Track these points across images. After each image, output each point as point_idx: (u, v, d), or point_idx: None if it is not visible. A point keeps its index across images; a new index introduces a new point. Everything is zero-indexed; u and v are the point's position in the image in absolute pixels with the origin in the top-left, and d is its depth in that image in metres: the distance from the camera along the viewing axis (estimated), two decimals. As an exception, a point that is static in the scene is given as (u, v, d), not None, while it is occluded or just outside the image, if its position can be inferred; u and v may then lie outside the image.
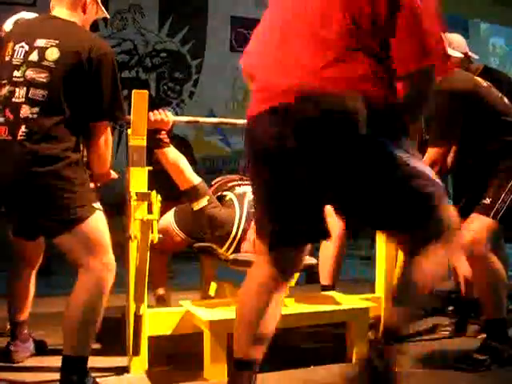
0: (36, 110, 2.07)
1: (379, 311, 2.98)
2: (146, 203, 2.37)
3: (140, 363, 2.50)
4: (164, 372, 2.54)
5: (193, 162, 5.34)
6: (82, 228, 2.10)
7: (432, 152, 2.83)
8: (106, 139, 2.23)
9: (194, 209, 2.66)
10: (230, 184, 2.98)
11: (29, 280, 2.65)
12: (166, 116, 2.61)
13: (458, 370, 2.57)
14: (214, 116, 7.19)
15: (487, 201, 2.69)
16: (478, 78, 2.90)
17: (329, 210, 2.11)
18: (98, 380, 2.19)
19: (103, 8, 2.40)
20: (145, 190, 2.45)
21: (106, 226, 2.20)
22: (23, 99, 2.08)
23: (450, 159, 3.01)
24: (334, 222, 3.28)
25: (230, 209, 2.75)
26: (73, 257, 2.16)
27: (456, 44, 3.05)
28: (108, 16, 2.48)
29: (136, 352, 2.46)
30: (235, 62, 8.26)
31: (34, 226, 2.29)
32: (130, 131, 2.51)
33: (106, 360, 2.55)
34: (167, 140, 2.59)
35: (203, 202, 2.64)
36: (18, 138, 2.05)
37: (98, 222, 2.16)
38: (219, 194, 2.91)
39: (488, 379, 2.51)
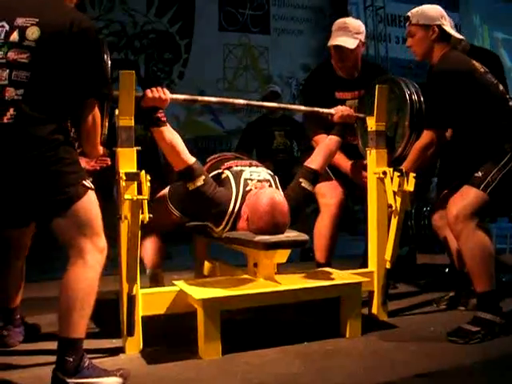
0: (21, 91, 2.01)
1: (372, 286, 3.00)
2: (135, 183, 2.36)
3: (135, 343, 2.51)
4: (159, 351, 2.54)
5: None
6: (75, 208, 2.08)
7: (427, 135, 2.81)
8: (94, 116, 2.19)
9: (190, 188, 2.62)
10: (226, 163, 2.93)
11: (18, 269, 2.64)
12: (164, 93, 2.56)
13: (451, 342, 2.60)
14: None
15: (479, 174, 2.73)
16: (475, 62, 2.85)
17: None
18: (93, 361, 2.19)
19: None
20: (134, 169, 2.43)
21: (98, 207, 2.18)
22: (6, 81, 2.02)
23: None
24: (327, 200, 3.32)
25: (226, 187, 2.73)
26: (65, 238, 2.14)
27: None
28: None
29: (130, 332, 2.47)
30: (224, 41, 8.17)
31: (25, 213, 2.21)
32: (117, 111, 2.49)
33: (101, 341, 2.55)
34: (164, 118, 2.56)
35: (199, 182, 2.61)
36: (5, 121, 2.00)
37: (90, 204, 2.14)
38: (215, 172, 2.88)
39: (480, 350, 2.53)
